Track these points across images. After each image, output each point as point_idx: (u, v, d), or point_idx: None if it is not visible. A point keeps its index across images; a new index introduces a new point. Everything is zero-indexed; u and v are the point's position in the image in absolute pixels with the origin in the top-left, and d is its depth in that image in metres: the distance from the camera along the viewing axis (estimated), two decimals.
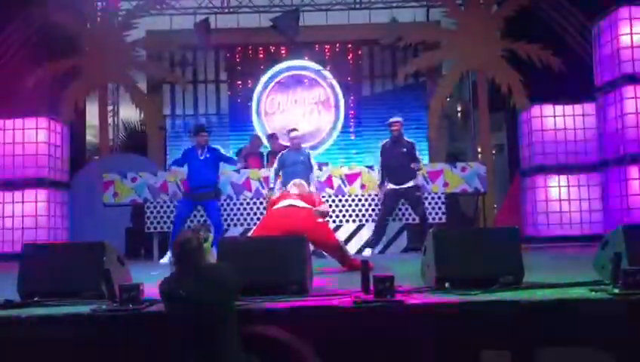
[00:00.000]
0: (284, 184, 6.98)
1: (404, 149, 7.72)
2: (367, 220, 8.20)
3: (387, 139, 7.96)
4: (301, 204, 5.55)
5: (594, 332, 3.19)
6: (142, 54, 11.68)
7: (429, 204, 8.18)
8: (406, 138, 7.93)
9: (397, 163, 7.69)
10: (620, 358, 3.15)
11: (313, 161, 7.79)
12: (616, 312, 3.24)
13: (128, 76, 11.45)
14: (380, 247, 7.99)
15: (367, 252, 7.81)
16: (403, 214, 8.17)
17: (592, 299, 3.31)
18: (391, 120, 7.94)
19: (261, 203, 8.14)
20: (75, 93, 10.96)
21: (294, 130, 8.02)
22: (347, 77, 11.93)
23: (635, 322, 3.20)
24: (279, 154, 7.80)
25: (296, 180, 6.14)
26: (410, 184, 7.69)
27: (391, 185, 7.74)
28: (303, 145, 8.27)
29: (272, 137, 9.64)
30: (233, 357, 2.90)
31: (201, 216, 8.09)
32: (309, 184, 7.07)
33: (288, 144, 8.02)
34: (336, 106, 11.78)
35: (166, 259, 7.42)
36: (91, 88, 11.33)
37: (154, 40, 11.56)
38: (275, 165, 7.69)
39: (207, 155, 7.65)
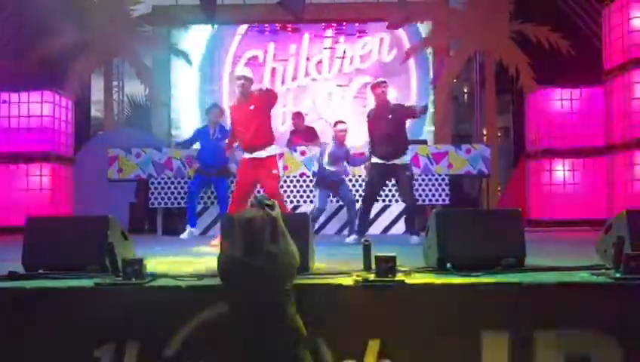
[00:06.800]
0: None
1: (390, 116, 6.41)
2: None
3: (372, 107, 6.85)
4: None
5: (594, 316, 3.20)
6: (148, 29, 11.60)
7: (433, 185, 8.17)
8: (392, 103, 6.80)
9: (383, 133, 6.42)
10: (621, 343, 3.16)
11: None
12: (618, 297, 3.24)
13: (134, 51, 11.39)
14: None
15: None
16: (387, 195, 8.07)
17: (593, 283, 3.31)
18: (376, 81, 6.72)
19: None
20: (80, 67, 10.91)
21: (340, 122, 7.26)
22: None
23: (636, 307, 3.21)
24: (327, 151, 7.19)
25: None
26: (400, 161, 6.42)
27: (376, 159, 6.50)
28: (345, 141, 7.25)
29: (296, 116, 9.25)
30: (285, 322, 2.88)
31: (204, 192, 8.13)
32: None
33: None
34: None
35: (185, 234, 7.49)
36: (97, 63, 11.28)
37: (160, 15, 11.47)
38: (326, 158, 7.15)
39: (219, 135, 7.65)
